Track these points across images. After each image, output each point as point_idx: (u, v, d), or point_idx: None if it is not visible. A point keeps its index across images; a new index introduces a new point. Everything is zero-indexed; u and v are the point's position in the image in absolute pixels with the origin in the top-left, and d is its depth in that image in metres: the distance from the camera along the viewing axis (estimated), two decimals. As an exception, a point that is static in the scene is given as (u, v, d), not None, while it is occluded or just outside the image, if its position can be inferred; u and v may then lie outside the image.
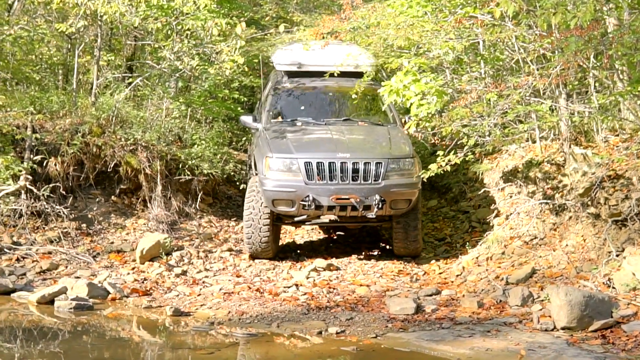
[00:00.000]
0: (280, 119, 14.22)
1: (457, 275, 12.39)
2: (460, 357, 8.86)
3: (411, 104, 12.27)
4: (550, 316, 9.95)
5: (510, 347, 9.06)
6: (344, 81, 14.37)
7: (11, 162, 13.93)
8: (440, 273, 12.66)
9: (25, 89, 16.44)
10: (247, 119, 14.34)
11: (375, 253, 14.04)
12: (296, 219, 13.10)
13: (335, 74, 14.00)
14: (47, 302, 11.26)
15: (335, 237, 15.27)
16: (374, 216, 12.73)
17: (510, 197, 13.48)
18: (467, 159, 12.82)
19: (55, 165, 14.50)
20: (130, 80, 16.64)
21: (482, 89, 11.72)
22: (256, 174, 13.46)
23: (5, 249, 13.23)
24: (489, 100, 12.18)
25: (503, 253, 12.62)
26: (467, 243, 13.47)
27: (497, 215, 13.47)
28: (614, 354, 8.72)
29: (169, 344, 9.82)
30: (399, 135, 13.60)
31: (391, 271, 12.79)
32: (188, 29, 14.87)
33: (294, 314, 10.72)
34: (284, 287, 12.08)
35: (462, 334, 9.69)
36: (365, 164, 12.74)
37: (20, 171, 13.98)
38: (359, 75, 14.11)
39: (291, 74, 15.04)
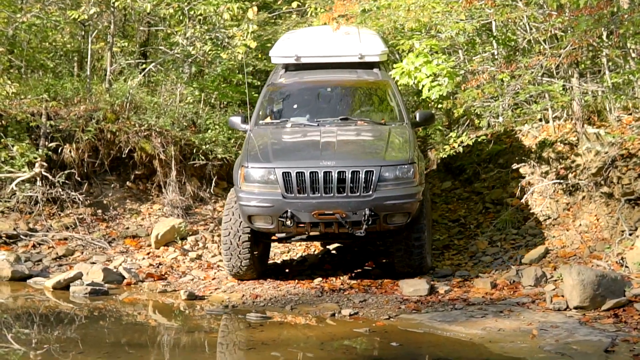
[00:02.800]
0: (269, 119, 12.50)
1: (471, 257, 12.41)
2: (473, 337, 8.87)
3: (423, 86, 12.35)
4: (563, 296, 9.96)
5: (522, 327, 9.08)
6: (346, 74, 13.04)
7: (26, 149, 14.06)
8: (454, 254, 12.67)
9: (40, 76, 16.52)
10: (235, 120, 12.49)
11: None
12: (278, 236, 11.60)
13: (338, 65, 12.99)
14: (63, 287, 11.37)
15: (334, 252, 13.45)
16: (362, 234, 10.90)
17: (524, 177, 13.47)
18: (480, 140, 12.83)
19: (70, 151, 14.59)
20: (144, 66, 16.70)
21: (493, 69, 11.70)
22: None
23: (21, 236, 13.35)
24: (502, 80, 12.17)
25: (516, 233, 12.65)
26: (481, 224, 13.47)
27: (510, 196, 13.48)
28: (626, 333, 8.72)
29: (183, 328, 9.88)
30: (402, 136, 11.87)
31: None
32: (200, 14, 14.87)
33: (307, 296, 10.78)
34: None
35: (475, 314, 9.71)
36: (353, 173, 10.88)
37: (36, 158, 14.11)
38: (365, 66, 13.01)
39: (289, 68, 13.37)
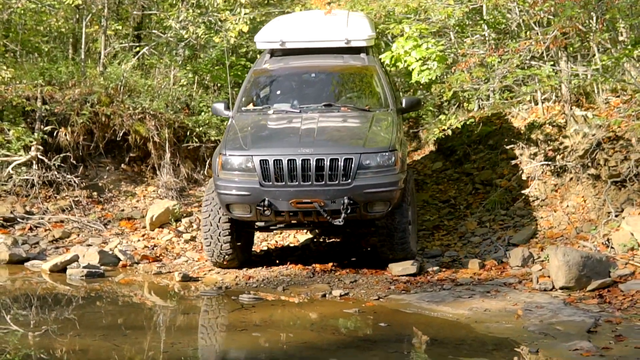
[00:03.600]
0: (252, 105, 12.30)
1: (460, 237, 12.62)
2: (460, 317, 9.09)
3: (412, 69, 12.52)
4: (549, 276, 10.17)
5: (508, 307, 9.29)
6: (332, 59, 12.81)
7: (22, 133, 14.25)
8: (443, 235, 12.88)
9: (35, 60, 16.67)
10: (219, 107, 12.27)
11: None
12: (258, 224, 11.51)
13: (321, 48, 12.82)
14: (60, 270, 11.58)
15: (321, 240, 13.37)
16: (341, 222, 10.69)
17: (513, 159, 13.66)
18: (469, 122, 13.00)
19: (66, 135, 14.77)
20: (138, 49, 16.84)
21: (482, 53, 11.87)
22: None
23: (18, 219, 13.55)
24: (492, 64, 12.32)
25: (505, 214, 12.86)
26: (471, 205, 13.67)
27: (499, 177, 13.68)
28: (610, 313, 8.92)
29: (177, 309, 10.10)
30: (385, 122, 11.68)
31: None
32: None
33: (299, 277, 10.99)
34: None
35: (462, 294, 9.92)
36: (331, 160, 10.66)
37: (31, 142, 14.30)
38: (351, 51, 12.77)
39: (275, 53, 13.10)
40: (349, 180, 10.68)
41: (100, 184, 14.93)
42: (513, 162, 13.54)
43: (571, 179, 12.60)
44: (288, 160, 10.67)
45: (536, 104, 14.15)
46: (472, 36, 13.33)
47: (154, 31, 16.77)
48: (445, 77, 12.72)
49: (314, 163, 10.64)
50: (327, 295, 10.19)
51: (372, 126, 11.44)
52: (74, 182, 14.38)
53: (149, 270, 11.79)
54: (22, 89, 14.76)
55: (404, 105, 12.16)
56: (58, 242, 13.02)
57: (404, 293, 10.18)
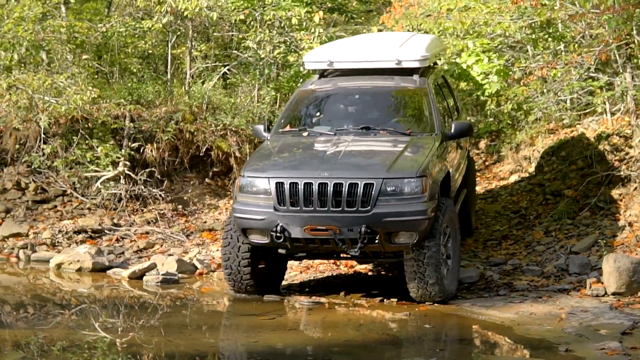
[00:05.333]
0: (289, 127, 11.65)
1: (526, 246, 12.89)
2: (504, 320, 9.45)
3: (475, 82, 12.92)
4: (603, 283, 10.43)
5: (553, 311, 9.61)
6: (381, 80, 11.97)
7: (110, 149, 15.07)
8: (510, 244, 13.17)
9: (124, 80, 17.56)
10: (258, 128, 11.78)
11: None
12: (280, 252, 10.77)
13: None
14: (138, 277, 12.26)
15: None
16: (357, 253, 10.01)
17: (582, 169, 13.89)
18: (536, 134, 13.26)
19: (152, 151, 15.53)
20: (220, 69, 17.55)
21: (536, 66, 12.17)
22: None
23: (106, 230, 14.32)
24: (554, 76, 12.59)
25: (571, 224, 13.08)
26: (540, 215, 13.93)
27: (568, 188, 13.91)
28: (653, 317, 9.17)
29: (238, 312, 10.66)
30: (422, 147, 10.82)
31: (462, 241, 13.34)
32: (269, 19, 15.64)
33: (362, 284, 11.44)
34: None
35: (514, 300, 10.27)
36: (350, 185, 9.91)
37: (119, 158, 15.09)
38: (403, 72, 11.92)
39: (324, 74, 12.41)
40: (368, 207, 9.90)
41: (185, 198, 15.63)
42: (580, 172, 13.76)
43: (635, 188, 12.78)
44: (305, 184, 10.02)
45: (610, 115, 14.35)
46: (533, 49, 13.59)
47: (234, 51, 17.43)
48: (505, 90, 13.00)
49: (332, 187, 9.94)
50: (385, 301, 10.60)
51: (405, 151, 10.65)
52: (160, 195, 15.11)
53: (223, 277, 12.38)
54: (111, 108, 15.59)
55: (452, 130, 11.36)
56: (142, 252, 13.71)
57: (459, 298, 10.56)
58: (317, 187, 9.95)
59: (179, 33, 16.87)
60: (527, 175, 16.04)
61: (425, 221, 9.99)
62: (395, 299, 10.57)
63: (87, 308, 10.84)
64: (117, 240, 14.18)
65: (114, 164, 15.10)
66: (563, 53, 12.85)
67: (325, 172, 10.04)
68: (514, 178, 16.32)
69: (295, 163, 10.64)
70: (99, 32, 16.06)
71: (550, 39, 13.85)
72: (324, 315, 9.96)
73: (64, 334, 8.80)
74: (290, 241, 10.10)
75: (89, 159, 15.12)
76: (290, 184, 10.05)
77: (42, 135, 15.38)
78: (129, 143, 15.45)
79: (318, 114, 12.02)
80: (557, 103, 13.79)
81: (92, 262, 12.85)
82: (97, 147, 15.11)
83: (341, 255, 10.93)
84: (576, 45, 12.26)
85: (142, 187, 15.08)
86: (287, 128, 11.62)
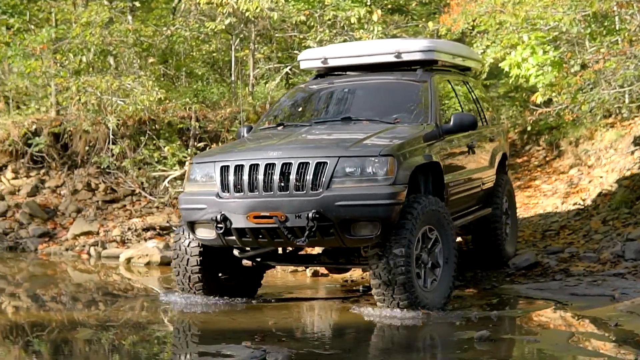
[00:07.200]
0: (267, 124, 10.48)
1: (584, 236, 13.07)
2: (559, 300, 9.66)
3: (530, 75, 13.14)
4: (659, 266, 10.62)
5: (606, 292, 9.80)
6: (379, 76, 10.73)
7: (177, 149, 15.59)
8: (568, 234, 13.35)
9: (189, 82, 18.09)
10: (241, 131, 10.70)
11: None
12: (235, 252, 9.60)
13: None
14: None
15: None
16: (303, 243, 8.51)
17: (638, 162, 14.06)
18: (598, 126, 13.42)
19: (217, 150, 16.00)
20: (282, 70, 17.98)
21: (591, 59, 12.34)
22: None
23: (173, 227, 14.79)
24: (608, 66, 12.74)
25: (628, 212, 13.23)
26: (598, 205, 14.08)
27: (625, 178, 14.06)
28: (702, 296, 9.33)
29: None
30: (403, 132, 9.25)
31: (522, 233, 13.56)
32: (329, 19, 16.01)
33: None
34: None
35: (569, 284, 10.46)
36: (300, 165, 8.50)
37: (185, 157, 15.59)
38: (406, 66, 10.79)
39: (321, 74, 11.39)
40: (320, 190, 8.44)
41: (251, 195, 16.05)
42: (639, 163, 13.91)
43: (692, 176, 12.94)
44: (250, 165, 8.69)
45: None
46: (590, 42, 13.73)
47: (295, 52, 17.83)
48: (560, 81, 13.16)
49: (279, 168, 8.57)
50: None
51: (379, 134, 9.13)
52: (226, 193, 15.54)
53: (285, 269, 12.72)
54: (177, 108, 16.11)
55: (452, 123, 9.80)
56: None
57: (516, 283, 10.83)
58: (263, 169, 8.61)
59: (241, 36, 17.32)
60: (586, 168, 16.21)
61: (388, 207, 8.38)
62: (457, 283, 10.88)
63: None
64: (185, 236, 14.62)
65: (181, 163, 15.59)
66: (620, 43, 12.99)
67: (274, 153, 8.71)
68: (573, 172, 16.48)
69: (247, 147, 9.34)
70: (164, 36, 16.56)
71: (605, 32, 14.00)
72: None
73: (132, 330, 8.96)
74: (236, 234, 8.74)
75: (156, 159, 15.66)
76: (235, 167, 8.76)
77: (111, 137, 15.95)
78: (195, 143, 15.94)
79: (300, 110, 10.78)
80: (614, 96, 13.91)
81: (160, 256, 13.34)
82: (164, 147, 15.63)
83: (314, 261, 9.93)
84: (632, 37, 12.38)
85: (209, 185, 15.52)
86: (267, 125, 10.49)
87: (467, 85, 11.53)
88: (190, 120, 16.09)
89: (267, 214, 8.49)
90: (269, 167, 8.58)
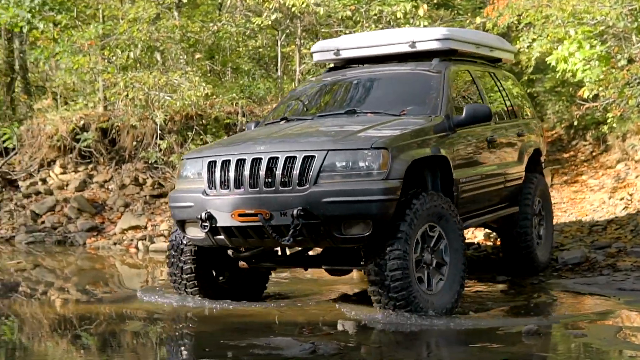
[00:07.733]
0: (272, 118, 9.98)
1: (631, 231, 13.01)
2: (607, 294, 9.64)
3: (576, 69, 13.08)
4: None
5: (654, 285, 9.82)
6: (393, 66, 10.22)
7: (223, 144, 15.68)
8: (615, 229, 13.29)
9: (236, 78, 18.21)
10: (250, 125, 10.35)
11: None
12: (229, 252, 9.06)
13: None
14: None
15: None
16: (289, 241, 7.96)
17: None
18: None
19: (263, 144, 16.08)
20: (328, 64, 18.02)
21: (638, 53, 12.28)
22: None
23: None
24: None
25: (678, 209, 13.20)
26: (646, 201, 14.04)
27: (672, 173, 14.01)
28: None
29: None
30: (406, 124, 8.72)
31: (568, 229, 13.52)
32: (375, 14, 16.04)
33: (474, 265, 11.70)
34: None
35: (616, 279, 10.44)
36: (287, 159, 8.00)
37: (231, 152, 15.69)
38: (422, 56, 10.11)
39: (334, 66, 10.98)
40: (306, 185, 7.94)
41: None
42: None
43: None
44: (237, 160, 8.24)
45: None
46: (637, 36, 13.64)
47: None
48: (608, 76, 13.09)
49: (266, 163, 8.09)
50: (496, 277, 10.98)
51: (378, 126, 8.63)
52: (271, 188, 15.63)
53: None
54: (224, 104, 16.21)
55: (463, 115, 9.16)
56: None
57: (563, 278, 10.85)
58: (249, 164, 8.14)
59: (287, 32, 17.40)
60: (633, 163, 16.11)
61: (381, 204, 7.85)
62: (502, 279, 10.94)
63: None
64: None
65: (227, 157, 15.67)
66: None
67: (262, 147, 8.24)
68: (620, 166, 16.39)
69: (236, 142, 8.89)
70: (210, 32, 16.67)
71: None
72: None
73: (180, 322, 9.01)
74: (224, 233, 8.28)
75: (203, 154, 15.75)
76: (222, 162, 8.31)
77: (158, 132, 16.08)
78: (241, 138, 16.03)
79: (308, 103, 10.24)
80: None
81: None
82: (211, 142, 15.71)
83: (314, 262, 9.34)
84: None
85: (254, 179, 15.61)
86: (271, 119, 10.02)
87: (494, 77, 10.96)
88: (237, 115, 16.17)
89: (252, 211, 8.01)
90: (256, 162, 8.12)
